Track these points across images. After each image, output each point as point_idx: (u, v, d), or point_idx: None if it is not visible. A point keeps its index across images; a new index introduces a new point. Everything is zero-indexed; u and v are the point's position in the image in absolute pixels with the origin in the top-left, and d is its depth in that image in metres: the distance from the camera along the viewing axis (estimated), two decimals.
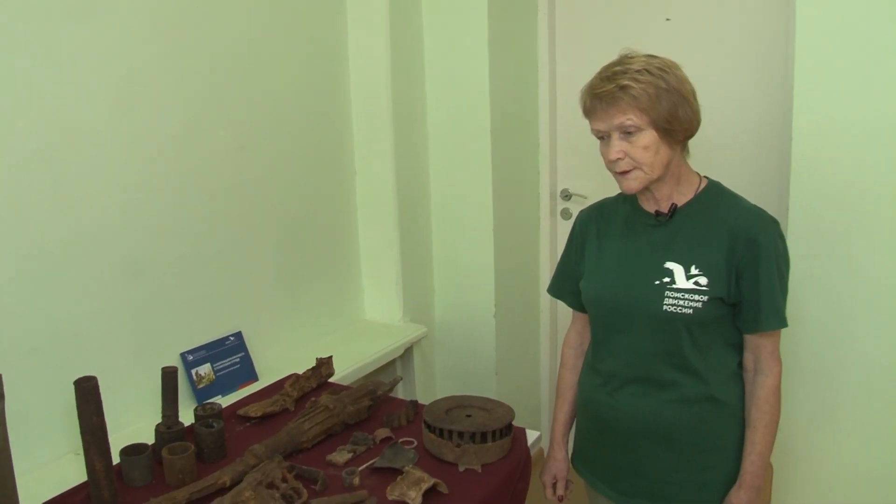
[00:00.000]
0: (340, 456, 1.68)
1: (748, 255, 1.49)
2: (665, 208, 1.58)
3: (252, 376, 2.21)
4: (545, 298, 3.06)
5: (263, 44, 2.27)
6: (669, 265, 1.54)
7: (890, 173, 2.01)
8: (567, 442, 1.83)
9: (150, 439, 1.70)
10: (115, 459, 1.59)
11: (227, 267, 2.19)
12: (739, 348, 1.60)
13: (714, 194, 1.59)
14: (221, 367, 2.14)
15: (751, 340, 1.56)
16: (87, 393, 1.46)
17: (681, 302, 1.51)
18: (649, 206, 1.61)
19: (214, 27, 2.09)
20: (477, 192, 2.73)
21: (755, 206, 1.57)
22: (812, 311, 2.15)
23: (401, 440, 1.76)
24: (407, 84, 2.64)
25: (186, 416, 1.77)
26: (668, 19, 2.63)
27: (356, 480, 1.57)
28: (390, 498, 1.51)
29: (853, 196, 2.06)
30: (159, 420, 1.71)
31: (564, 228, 2.87)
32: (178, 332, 2.05)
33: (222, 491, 1.51)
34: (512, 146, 2.82)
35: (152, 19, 1.92)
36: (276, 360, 2.32)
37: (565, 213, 3.03)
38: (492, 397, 2.78)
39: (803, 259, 2.11)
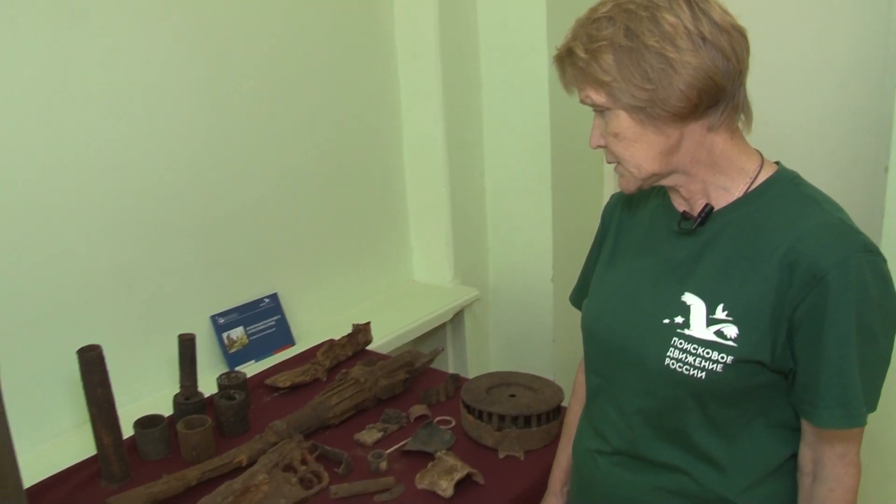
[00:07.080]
0: (370, 435, 1.53)
1: (809, 302, 0.93)
2: (696, 209, 1.05)
3: (288, 340, 2.08)
4: None
5: None
6: (688, 298, 1.02)
7: None
8: (567, 494, 1.34)
9: (169, 409, 1.59)
10: (131, 431, 1.49)
11: (261, 224, 2.04)
12: (793, 432, 1.03)
13: (779, 193, 1.00)
14: (255, 330, 2.01)
15: (810, 431, 1.00)
16: (91, 363, 1.35)
17: (690, 358, 0.99)
18: (679, 203, 1.08)
19: None
20: (534, 144, 2.50)
21: (840, 220, 0.96)
22: None
23: (437, 419, 1.60)
24: (455, 24, 2.40)
25: (212, 383, 1.67)
26: None
27: (383, 465, 1.42)
28: (419, 487, 1.36)
29: None
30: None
31: None
32: (207, 294, 1.92)
33: (238, 470, 1.39)
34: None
35: None
36: (315, 324, 2.18)
37: None
38: (548, 367, 2.64)
39: None
